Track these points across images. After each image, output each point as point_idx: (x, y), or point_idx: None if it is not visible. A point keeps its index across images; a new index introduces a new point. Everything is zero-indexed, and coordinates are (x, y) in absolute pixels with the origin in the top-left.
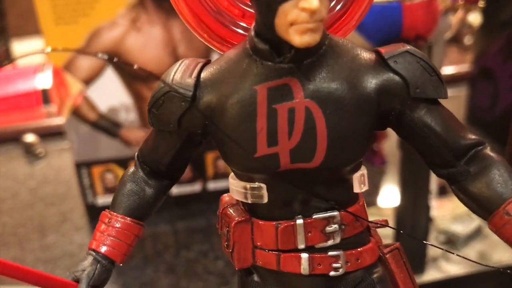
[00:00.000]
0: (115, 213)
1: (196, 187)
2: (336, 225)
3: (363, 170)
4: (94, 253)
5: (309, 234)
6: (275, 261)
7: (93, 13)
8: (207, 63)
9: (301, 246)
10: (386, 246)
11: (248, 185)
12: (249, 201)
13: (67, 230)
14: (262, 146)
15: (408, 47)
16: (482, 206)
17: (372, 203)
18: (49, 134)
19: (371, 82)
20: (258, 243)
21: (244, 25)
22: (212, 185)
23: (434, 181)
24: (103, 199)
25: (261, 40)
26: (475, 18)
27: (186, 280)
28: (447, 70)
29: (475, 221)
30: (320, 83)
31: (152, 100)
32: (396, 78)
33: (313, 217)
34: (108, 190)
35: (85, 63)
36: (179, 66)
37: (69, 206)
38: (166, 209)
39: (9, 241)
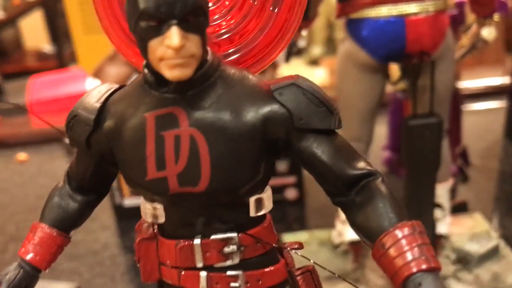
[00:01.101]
0: (41, 224)
1: None
2: (234, 246)
3: (262, 194)
4: (20, 259)
5: (207, 254)
6: (176, 278)
7: None
8: (120, 88)
9: (199, 265)
10: (300, 268)
11: (149, 205)
12: (149, 220)
13: (94, 229)
14: (152, 170)
15: (296, 79)
16: (365, 236)
17: None
18: None
19: (257, 113)
20: (163, 260)
21: None
22: None
23: (447, 198)
24: (130, 201)
25: (149, 71)
26: (489, 32)
27: None
28: (496, 81)
29: (493, 241)
30: (204, 112)
31: (66, 122)
32: (282, 109)
33: (211, 238)
34: (134, 192)
35: (113, 71)
36: (93, 91)
37: (99, 205)
38: None
39: None
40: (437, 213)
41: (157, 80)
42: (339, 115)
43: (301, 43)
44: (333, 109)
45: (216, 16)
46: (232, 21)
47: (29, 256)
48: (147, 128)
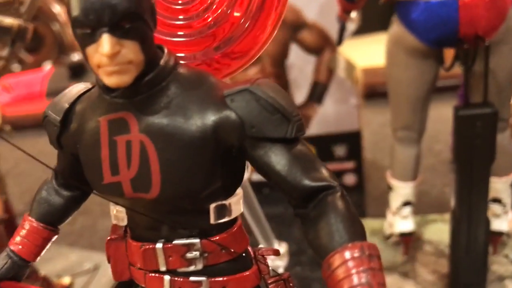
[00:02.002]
0: (29, 217)
1: None
2: (196, 252)
3: (226, 200)
4: (8, 250)
5: (170, 258)
6: (143, 279)
7: None
8: (92, 88)
9: (163, 268)
10: (274, 276)
11: (113, 207)
12: (113, 222)
13: None
14: (107, 174)
15: (250, 85)
16: (316, 254)
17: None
18: None
19: (209, 119)
20: (131, 261)
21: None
22: None
23: (508, 193)
24: None
25: None
26: None
27: None
28: None
29: None
30: (153, 118)
31: (42, 121)
32: (233, 116)
33: (173, 242)
34: None
35: None
36: (68, 90)
37: None
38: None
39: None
40: (497, 208)
41: (106, 85)
42: (300, 122)
43: (351, 26)
44: (291, 116)
45: (198, 11)
46: (219, 11)
47: (16, 248)
48: (101, 132)
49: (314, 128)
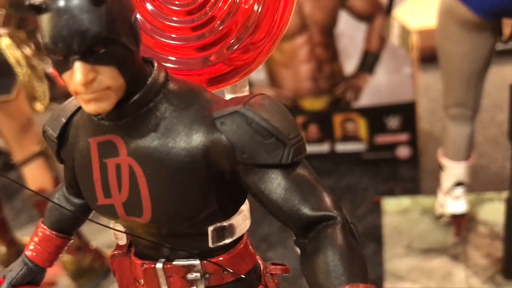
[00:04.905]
0: (42, 224)
1: (324, 148)
2: (197, 274)
3: (226, 222)
4: (24, 256)
5: (171, 278)
6: None
7: None
8: None
9: None
10: None
11: (113, 225)
12: (114, 239)
13: None
14: (100, 196)
15: (241, 106)
16: None
17: None
18: None
19: (199, 143)
20: (135, 276)
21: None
22: (340, 147)
23: None
24: None
25: None
26: None
27: None
28: None
29: None
30: (140, 141)
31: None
32: (224, 139)
33: (173, 263)
34: None
35: None
36: (67, 102)
37: None
38: None
39: None
40: None
41: None
42: (298, 144)
43: None
44: (286, 139)
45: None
46: (226, 4)
47: (29, 253)
48: (91, 154)
49: (365, 99)
